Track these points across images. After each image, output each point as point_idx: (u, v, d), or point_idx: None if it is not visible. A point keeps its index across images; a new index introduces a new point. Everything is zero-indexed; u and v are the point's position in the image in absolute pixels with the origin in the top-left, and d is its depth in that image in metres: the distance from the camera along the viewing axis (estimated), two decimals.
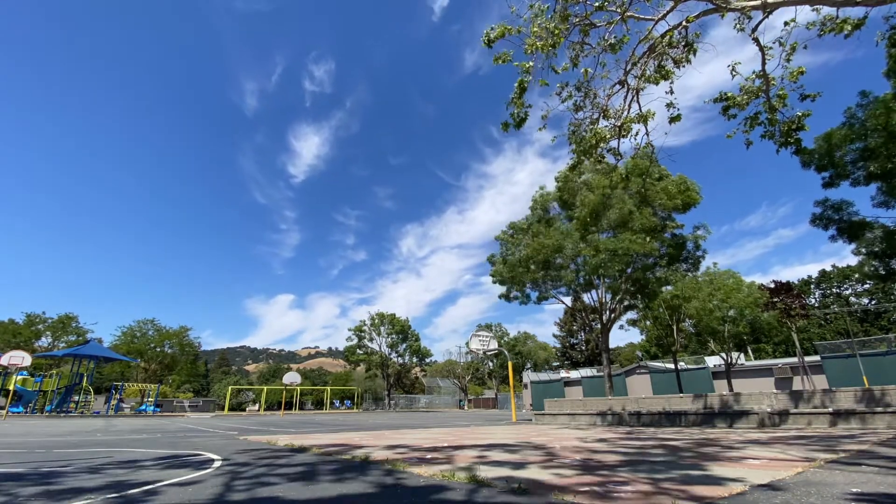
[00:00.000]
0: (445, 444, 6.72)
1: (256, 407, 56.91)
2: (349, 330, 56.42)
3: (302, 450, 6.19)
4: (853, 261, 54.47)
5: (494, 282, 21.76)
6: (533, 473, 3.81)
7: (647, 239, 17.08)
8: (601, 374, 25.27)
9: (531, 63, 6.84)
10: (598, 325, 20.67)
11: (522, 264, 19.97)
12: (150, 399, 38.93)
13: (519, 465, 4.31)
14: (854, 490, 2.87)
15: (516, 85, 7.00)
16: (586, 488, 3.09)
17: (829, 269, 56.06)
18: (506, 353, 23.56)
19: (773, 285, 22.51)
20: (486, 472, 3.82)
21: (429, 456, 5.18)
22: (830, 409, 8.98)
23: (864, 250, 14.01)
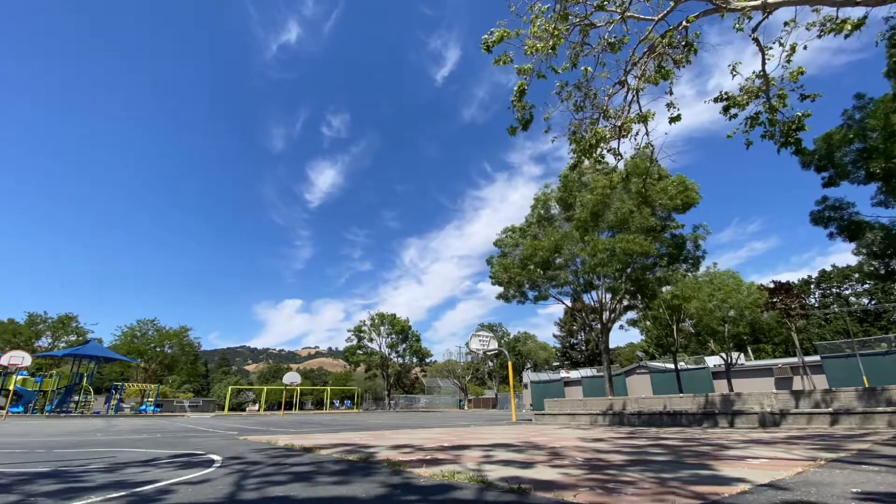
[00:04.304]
0: (447, 445, 6.73)
1: (256, 407, 56.92)
2: (349, 330, 56.45)
3: (303, 450, 6.19)
4: (823, 268, 54.82)
5: (493, 283, 21.76)
6: (539, 473, 3.81)
7: (648, 239, 17.08)
8: (601, 374, 25.27)
9: (531, 65, 6.84)
10: (598, 326, 20.69)
11: (521, 265, 19.97)
12: (150, 399, 38.94)
13: (524, 465, 4.32)
14: (853, 490, 2.88)
15: (516, 87, 7.00)
16: (594, 488, 3.10)
17: (828, 269, 56.15)
18: (506, 353, 23.56)
19: (772, 286, 22.53)
20: (491, 471, 3.83)
21: (429, 457, 5.18)
22: (830, 409, 8.99)
23: (864, 250, 14.04)
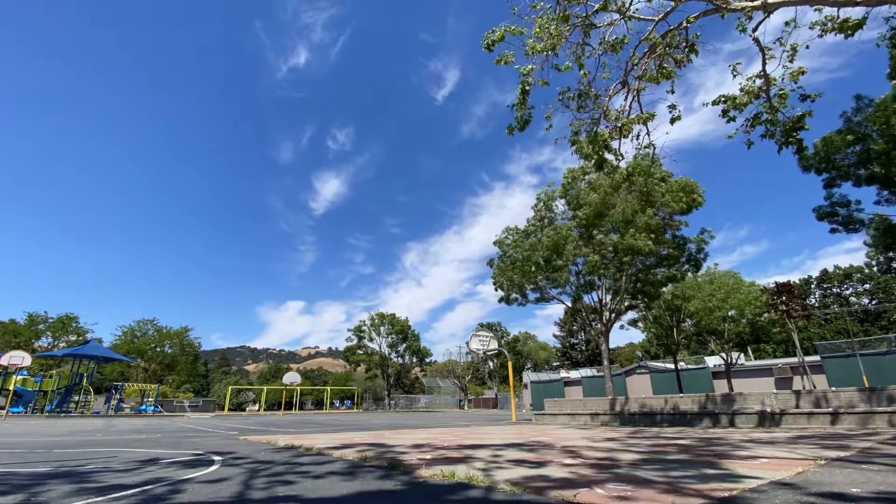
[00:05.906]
0: (447, 444, 6.73)
1: (256, 407, 56.92)
2: (349, 330, 56.43)
3: (303, 449, 6.19)
4: (817, 271, 54.72)
5: (496, 287, 21.70)
6: (553, 472, 3.81)
7: (653, 236, 17.08)
8: (601, 373, 25.26)
9: (531, 66, 6.85)
10: (599, 326, 20.68)
11: (522, 266, 19.94)
12: (150, 399, 38.92)
13: (535, 465, 4.32)
14: (854, 489, 2.88)
15: (519, 89, 7.01)
16: (605, 486, 3.10)
17: (830, 269, 56.20)
18: (506, 353, 23.56)
19: (774, 286, 22.52)
20: (501, 471, 3.83)
21: (433, 456, 5.19)
22: (831, 409, 8.99)
23: (871, 243, 13.95)
